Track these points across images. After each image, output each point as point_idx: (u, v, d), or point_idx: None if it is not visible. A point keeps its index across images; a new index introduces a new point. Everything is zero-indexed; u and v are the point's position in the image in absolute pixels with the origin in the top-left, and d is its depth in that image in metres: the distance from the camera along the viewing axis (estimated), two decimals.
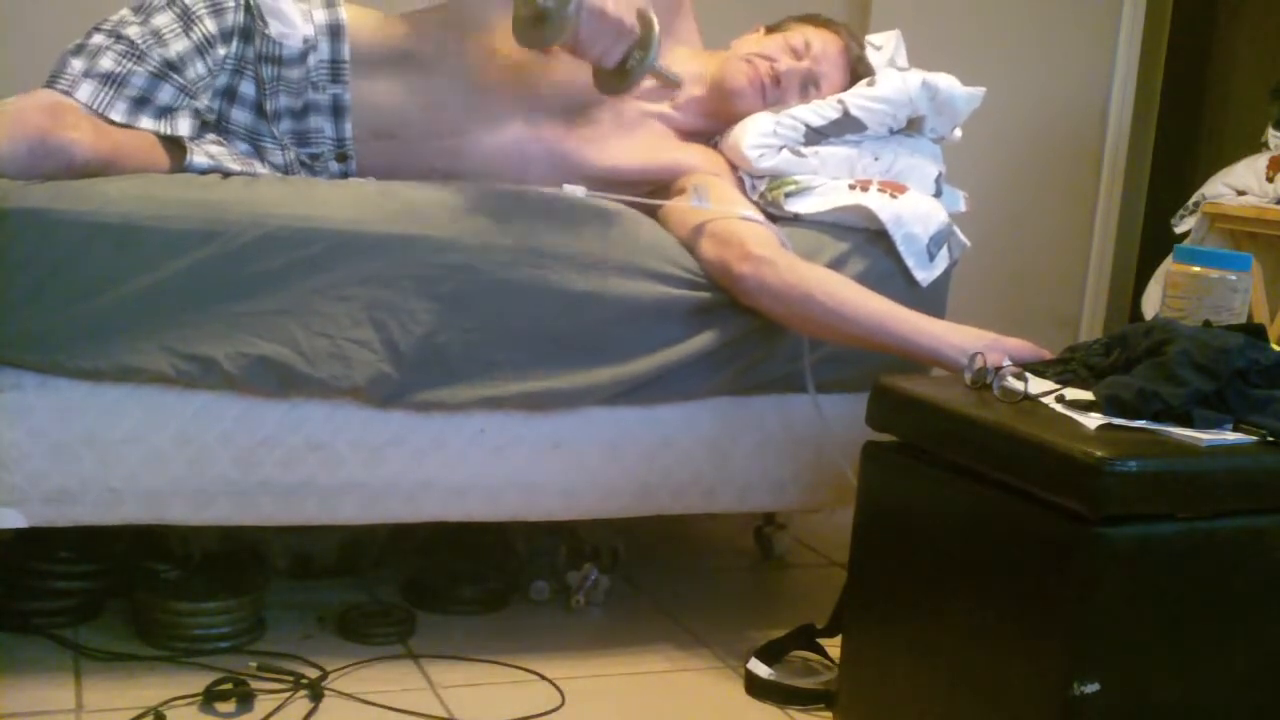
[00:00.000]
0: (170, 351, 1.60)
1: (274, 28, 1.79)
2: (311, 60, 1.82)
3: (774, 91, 1.97)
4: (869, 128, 1.97)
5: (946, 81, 1.99)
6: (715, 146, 2.03)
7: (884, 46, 2.14)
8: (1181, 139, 3.77)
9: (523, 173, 1.90)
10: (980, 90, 2.02)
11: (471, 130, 1.88)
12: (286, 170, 1.86)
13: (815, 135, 1.95)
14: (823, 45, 2.01)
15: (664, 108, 2.01)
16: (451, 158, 1.88)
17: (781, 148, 1.94)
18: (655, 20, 1.73)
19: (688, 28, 2.08)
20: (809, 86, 1.99)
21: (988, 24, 3.29)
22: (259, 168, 1.82)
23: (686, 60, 2.02)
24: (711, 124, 2.04)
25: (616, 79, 1.76)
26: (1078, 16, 3.37)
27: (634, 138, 1.96)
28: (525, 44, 1.71)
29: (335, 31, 1.84)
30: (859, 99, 1.97)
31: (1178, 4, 3.60)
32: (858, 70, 2.03)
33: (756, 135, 1.94)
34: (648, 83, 1.83)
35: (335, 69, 1.83)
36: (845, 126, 1.96)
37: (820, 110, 1.96)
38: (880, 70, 2.05)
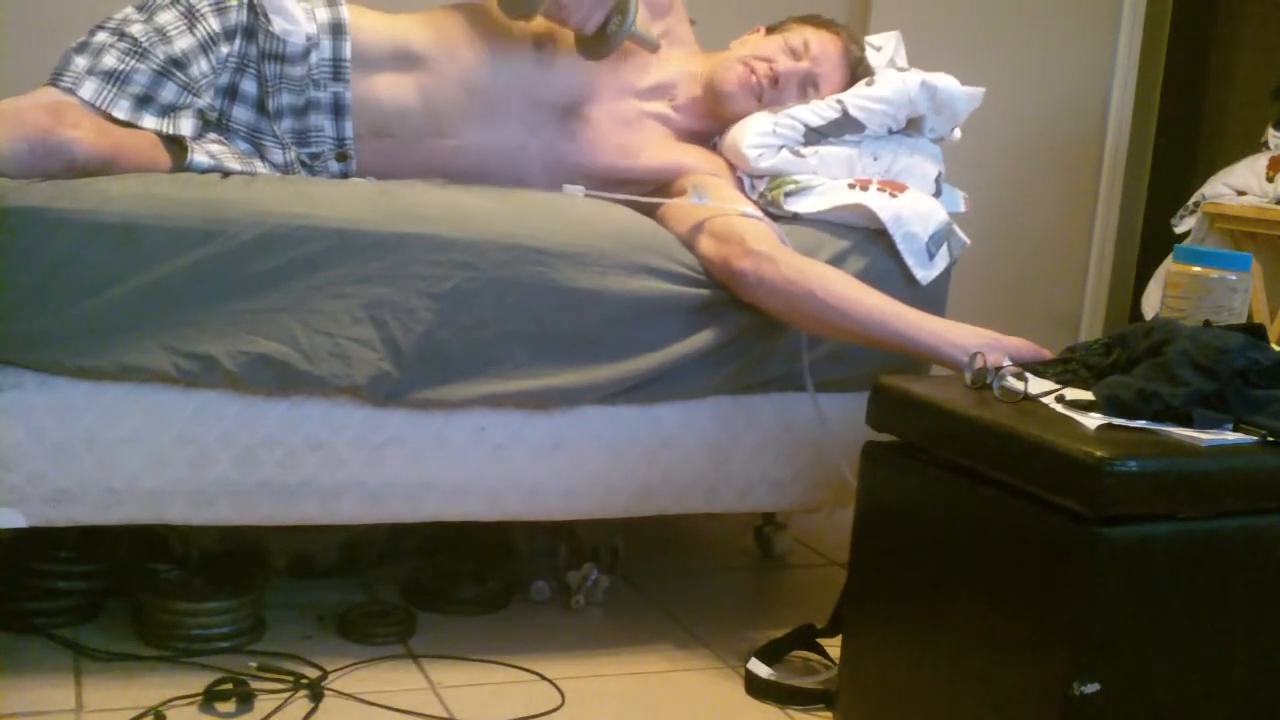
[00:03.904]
0: (171, 350, 1.60)
1: (278, 24, 1.80)
2: (314, 58, 1.83)
3: (771, 92, 1.97)
4: (868, 128, 1.97)
5: (946, 81, 1.99)
6: (714, 148, 2.03)
7: (884, 47, 2.14)
8: (1181, 139, 3.77)
9: (521, 172, 1.91)
10: (980, 90, 2.02)
11: (470, 130, 1.89)
12: (286, 169, 1.86)
13: (814, 135, 1.95)
14: (822, 46, 2.00)
15: (662, 107, 2.01)
16: (450, 157, 1.88)
17: (780, 147, 1.94)
18: None
19: (681, 29, 2.08)
20: (808, 87, 1.99)
21: (988, 24, 3.29)
22: (259, 167, 1.82)
23: (682, 62, 2.02)
24: (710, 125, 2.04)
25: (597, 44, 1.85)
26: (1078, 16, 3.37)
27: (632, 138, 1.97)
28: (511, 13, 1.79)
29: (337, 30, 1.84)
30: (858, 99, 1.97)
31: (1178, 4, 3.60)
32: (857, 71, 2.03)
33: (755, 135, 1.94)
34: (641, 65, 1.88)
35: (337, 67, 1.84)
36: (844, 126, 1.96)
37: (819, 110, 1.96)
38: (880, 71, 2.05)
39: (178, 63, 1.75)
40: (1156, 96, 3.63)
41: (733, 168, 1.99)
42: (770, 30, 2.07)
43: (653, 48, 1.93)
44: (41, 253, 1.56)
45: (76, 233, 1.56)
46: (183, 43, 1.75)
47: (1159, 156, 3.67)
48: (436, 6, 1.97)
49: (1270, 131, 3.14)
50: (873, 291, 1.77)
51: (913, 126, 2.03)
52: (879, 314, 1.74)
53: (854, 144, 1.98)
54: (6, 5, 2.57)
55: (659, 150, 1.98)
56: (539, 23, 1.87)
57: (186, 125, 1.76)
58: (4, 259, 1.55)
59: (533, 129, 1.90)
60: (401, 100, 1.87)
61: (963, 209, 2.07)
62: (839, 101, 1.97)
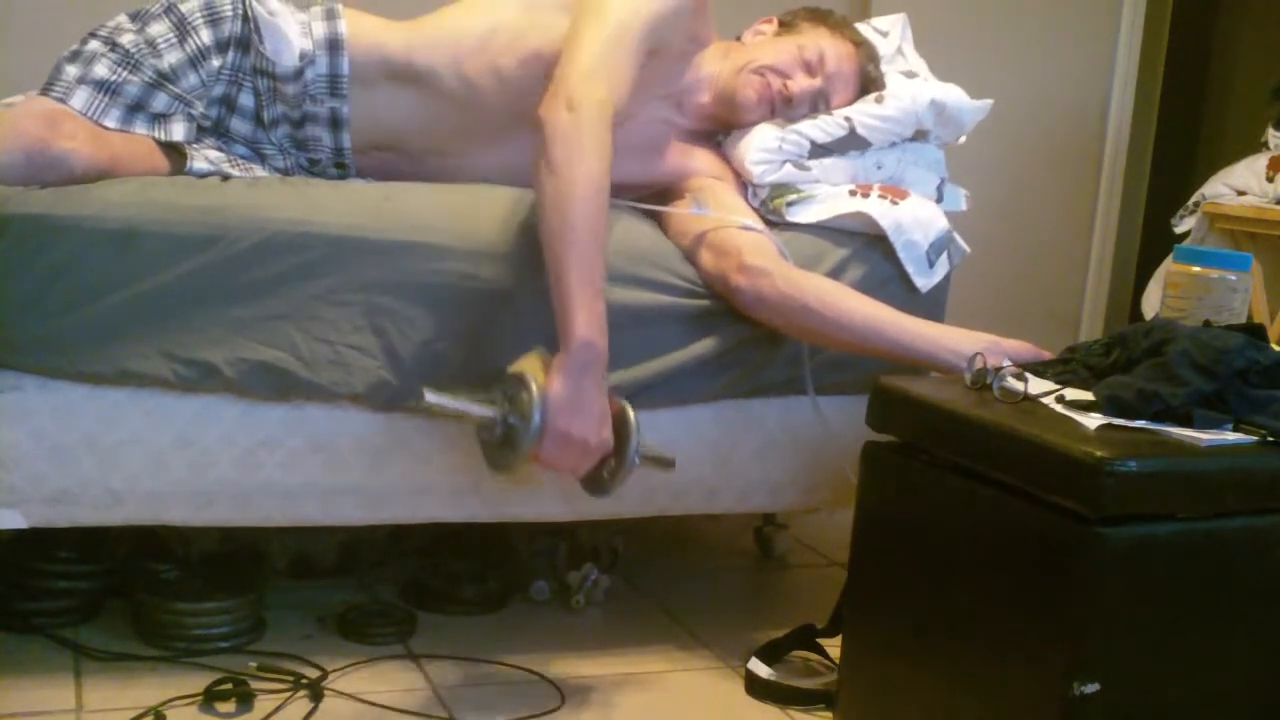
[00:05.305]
0: (170, 356, 1.60)
1: (269, 44, 1.77)
2: (309, 75, 1.80)
3: (784, 109, 1.96)
4: (873, 144, 1.96)
5: (955, 96, 1.98)
6: (719, 145, 2.02)
7: (890, 32, 2.13)
8: (1181, 139, 3.78)
9: (524, 187, 1.88)
10: (987, 103, 2.00)
11: (471, 147, 1.87)
12: (287, 173, 1.85)
13: (819, 150, 1.94)
14: (838, 63, 1.96)
15: (669, 112, 1.98)
16: (451, 174, 1.86)
17: (784, 163, 1.93)
18: (633, 417, 1.59)
19: (706, 30, 2.03)
20: (819, 101, 1.97)
21: (988, 24, 3.29)
22: (259, 171, 1.82)
23: (698, 66, 1.98)
24: (713, 126, 2.02)
25: (594, 487, 1.63)
26: (1078, 16, 3.37)
27: (637, 148, 1.93)
28: (500, 470, 1.60)
29: (334, 45, 1.81)
30: (866, 117, 1.94)
31: (1178, 4, 3.60)
32: (868, 87, 2.00)
33: (760, 151, 1.92)
34: None
35: (334, 83, 1.81)
36: (850, 143, 1.95)
37: (826, 127, 1.93)
38: (889, 77, 2.03)
39: (167, 77, 1.73)
40: (1156, 96, 3.63)
41: (737, 173, 1.98)
42: (784, 26, 2.02)
43: (668, 467, 1.68)
44: (42, 258, 1.56)
45: (77, 238, 1.56)
46: (171, 57, 1.73)
47: (1159, 156, 3.67)
48: (442, 9, 1.93)
49: (1270, 131, 3.14)
50: (869, 301, 1.77)
51: (917, 135, 2.01)
52: (876, 324, 1.74)
53: (857, 156, 1.97)
54: (6, 6, 2.57)
55: (665, 156, 1.95)
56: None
57: (179, 130, 1.74)
58: (5, 264, 1.55)
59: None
60: (401, 118, 1.84)
61: (964, 207, 2.07)
62: (847, 119, 1.94)
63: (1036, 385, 1.46)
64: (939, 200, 2.01)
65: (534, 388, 1.53)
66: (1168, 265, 1.74)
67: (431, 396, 1.52)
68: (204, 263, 1.60)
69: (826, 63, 1.96)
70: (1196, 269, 1.66)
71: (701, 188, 1.91)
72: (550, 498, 1.78)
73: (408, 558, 2.11)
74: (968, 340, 1.70)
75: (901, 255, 1.89)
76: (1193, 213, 3.17)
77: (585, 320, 1.55)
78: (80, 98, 1.68)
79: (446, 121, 1.86)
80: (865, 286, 1.84)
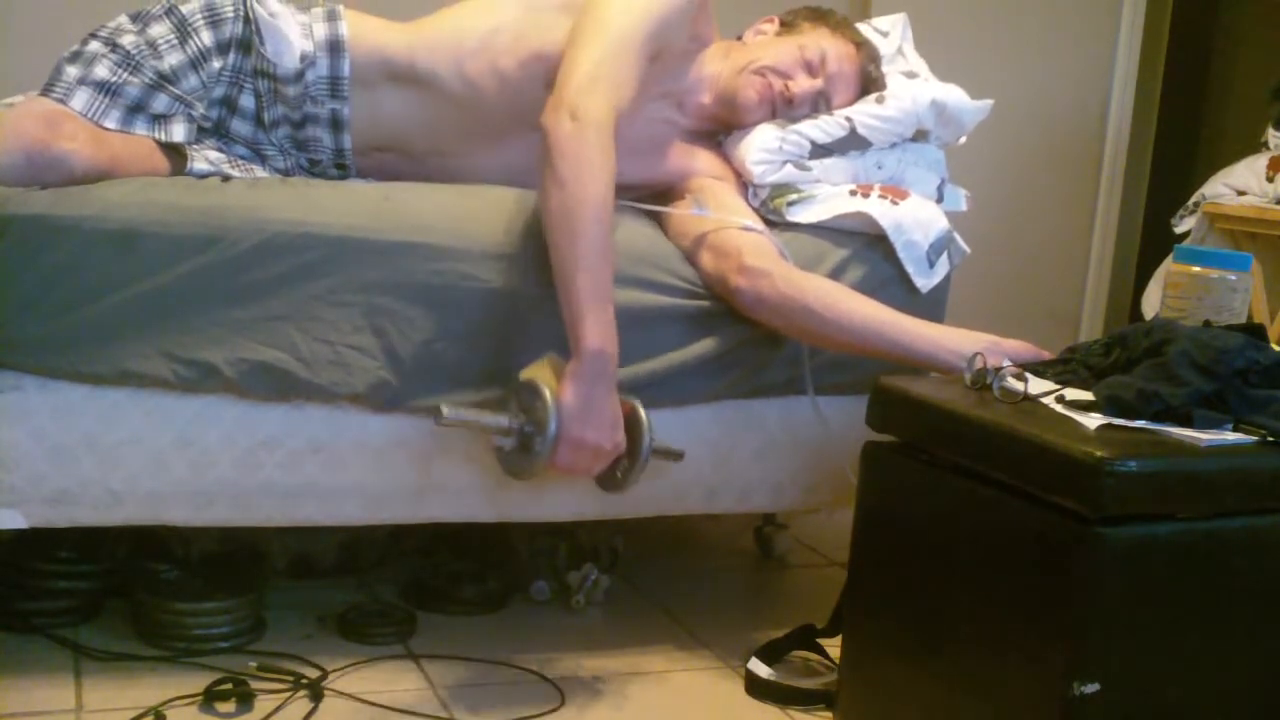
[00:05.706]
0: (170, 357, 1.60)
1: (269, 47, 1.77)
2: (310, 76, 1.80)
3: (785, 110, 1.96)
4: (874, 144, 1.96)
5: (955, 97, 1.98)
6: (720, 144, 2.02)
7: (890, 32, 2.13)
8: (1181, 139, 3.78)
9: (526, 188, 1.88)
10: (988, 103, 2.01)
11: (472, 149, 1.87)
12: (288, 174, 1.85)
13: (820, 150, 1.94)
14: (839, 64, 1.96)
15: (669, 112, 1.98)
16: (452, 174, 1.86)
17: (785, 163, 1.93)
18: (644, 416, 1.65)
19: (708, 31, 2.03)
20: (820, 102, 1.97)
21: (988, 24, 3.29)
22: (259, 172, 1.82)
23: (699, 66, 1.98)
24: (714, 126, 2.02)
25: (609, 484, 1.70)
26: (1078, 16, 3.37)
27: (638, 149, 1.93)
28: (518, 477, 1.64)
29: (335, 47, 1.81)
30: (866, 118, 1.94)
31: (1178, 4, 3.60)
32: (869, 88, 2.00)
33: (760, 151, 1.92)
34: None
35: (335, 85, 1.81)
36: (850, 143, 1.95)
37: (826, 128, 1.93)
38: (890, 78, 2.03)
39: (167, 78, 1.73)
40: (1156, 96, 3.63)
41: (738, 173, 1.98)
42: (785, 26, 2.02)
43: (677, 457, 1.76)
44: (43, 259, 1.56)
45: (78, 239, 1.56)
46: (172, 59, 1.73)
47: (1159, 156, 3.67)
48: (442, 10, 1.93)
49: (1270, 131, 3.14)
50: (869, 302, 1.77)
51: (918, 136, 2.01)
52: (876, 324, 1.74)
53: (858, 156, 1.97)
54: (6, 6, 2.57)
55: (666, 157, 1.95)
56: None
57: (179, 131, 1.74)
58: (6, 264, 1.55)
59: (536, 147, 1.86)
60: (402, 120, 1.84)
61: (964, 207, 2.07)
62: (848, 119, 1.94)
63: (1036, 385, 1.46)
64: (939, 200, 2.01)
65: (548, 396, 1.56)
66: (1168, 265, 1.74)
67: (450, 413, 1.55)
68: (204, 263, 1.60)
69: (828, 63, 1.96)
70: (1196, 269, 1.66)
71: (702, 188, 1.91)
72: (550, 497, 1.78)
73: (408, 558, 2.11)
74: (968, 340, 1.70)
75: (902, 255, 1.89)
76: (1193, 213, 3.17)
77: (596, 330, 1.56)
78: (81, 99, 1.68)
79: (448, 122, 1.86)
80: (865, 287, 1.84)
